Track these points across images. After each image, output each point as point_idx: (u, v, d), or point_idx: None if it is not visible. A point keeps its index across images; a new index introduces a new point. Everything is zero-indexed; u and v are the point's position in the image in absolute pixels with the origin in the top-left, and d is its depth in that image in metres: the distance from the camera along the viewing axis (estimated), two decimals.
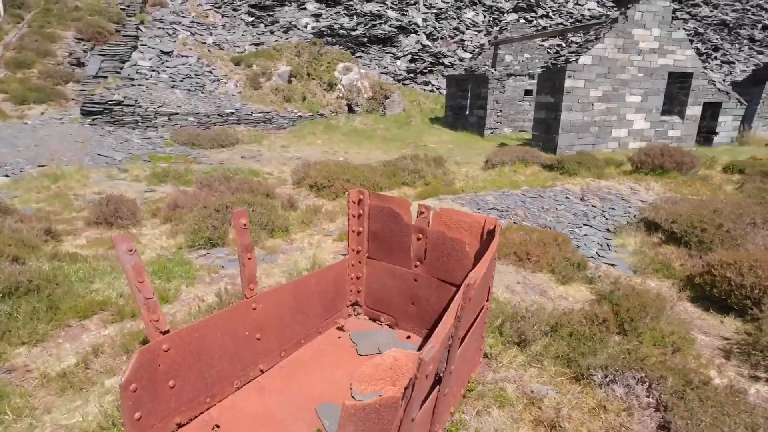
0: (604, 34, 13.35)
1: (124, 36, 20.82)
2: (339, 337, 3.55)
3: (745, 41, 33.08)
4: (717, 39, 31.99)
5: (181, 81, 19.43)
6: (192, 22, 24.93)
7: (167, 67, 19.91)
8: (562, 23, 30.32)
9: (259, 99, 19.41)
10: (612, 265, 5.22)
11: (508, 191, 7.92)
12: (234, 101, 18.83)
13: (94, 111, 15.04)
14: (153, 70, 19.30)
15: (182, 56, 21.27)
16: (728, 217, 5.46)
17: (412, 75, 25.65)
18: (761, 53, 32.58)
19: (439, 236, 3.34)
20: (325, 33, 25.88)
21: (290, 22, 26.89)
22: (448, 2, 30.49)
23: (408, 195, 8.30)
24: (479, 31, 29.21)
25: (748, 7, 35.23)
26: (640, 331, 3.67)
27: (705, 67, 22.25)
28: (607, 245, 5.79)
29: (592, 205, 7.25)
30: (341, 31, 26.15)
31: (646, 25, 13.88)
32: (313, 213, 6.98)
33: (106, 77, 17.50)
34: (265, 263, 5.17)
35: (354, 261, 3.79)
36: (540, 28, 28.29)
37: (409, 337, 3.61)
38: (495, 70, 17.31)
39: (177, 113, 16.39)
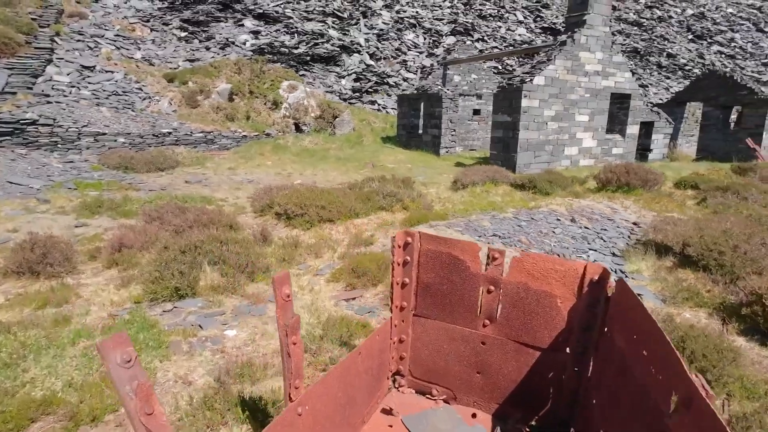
0: (554, 56, 13.64)
1: (36, 48, 18.39)
2: (390, 426, 2.70)
3: (654, 67, 36.38)
4: (631, 65, 34.85)
5: (107, 98, 17.44)
6: (117, 35, 22.77)
7: (89, 83, 17.81)
8: (496, 46, 31.51)
9: (199, 118, 17.88)
10: (639, 295, 4.81)
11: (498, 214, 7.45)
12: (170, 120, 17.16)
13: (2, 131, 12.85)
14: (72, 86, 17.14)
15: (107, 71, 19.21)
16: (739, 237, 5.29)
17: (357, 94, 25.18)
18: (668, 78, 35.95)
19: (520, 288, 2.63)
20: (265, 50, 24.77)
21: (227, 39, 25.49)
22: (388, 23, 30.63)
23: (390, 221, 7.56)
24: (420, 53, 29.52)
25: (654, 37, 38.93)
26: (724, 381, 3.18)
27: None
28: (621, 271, 5.41)
29: (585, 227, 6.96)
30: (283, 49, 25.18)
31: (591, 48, 14.41)
32: (292, 247, 6.02)
33: (14, 93, 15.20)
34: (252, 317, 4.17)
35: (397, 320, 2.97)
36: (478, 51, 29.12)
37: (474, 415, 2.84)
38: (447, 89, 17.24)
39: (104, 133, 14.51)
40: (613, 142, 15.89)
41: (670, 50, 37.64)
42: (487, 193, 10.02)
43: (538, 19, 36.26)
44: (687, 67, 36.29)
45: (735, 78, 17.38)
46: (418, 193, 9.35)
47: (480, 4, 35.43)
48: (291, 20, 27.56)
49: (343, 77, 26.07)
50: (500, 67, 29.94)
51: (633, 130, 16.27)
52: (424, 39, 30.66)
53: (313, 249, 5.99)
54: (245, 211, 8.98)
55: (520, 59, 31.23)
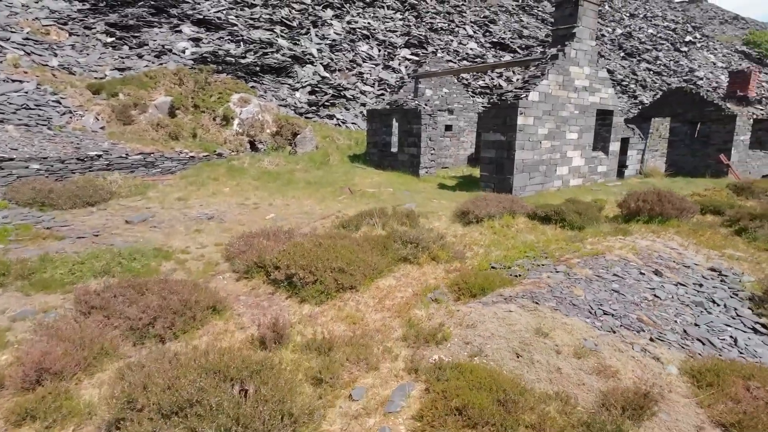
0: (548, 71, 12.49)
1: None
2: None
3: None
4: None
5: (14, 113, 14.04)
6: (27, 39, 18.99)
7: None
8: (450, 60, 30.70)
9: (136, 137, 14.91)
10: None
11: (558, 268, 5.78)
12: (99, 140, 14.08)
13: None
14: None
15: (13, 81, 15.67)
16: None
17: (314, 108, 23.00)
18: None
19: None
20: (209, 60, 21.95)
21: (163, 46, 22.35)
22: (340, 34, 28.82)
23: (432, 284, 5.65)
24: (376, 65, 27.94)
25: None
26: None
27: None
28: None
29: (679, 283, 5.49)
30: (229, 59, 22.48)
31: (579, 63, 13.48)
32: (324, 352, 3.91)
33: None
34: None
35: None
36: (450, 64, 28.05)
37: None
38: (424, 105, 15.68)
39: (11, 159, 11.31)
40: (598, 159, 15.09)
41: (607, 67, 39.05)
42: (510, 229, 8.41)
43: (487, 33, 36.14)
44: (624, 83, 37.75)
45: (701, 95, 17.38)
46: (438, 234, 7.51)
47: (431, 18, 34.66)
48: (236, 28, 24.89)
49: (297, 89, 23.80)
50: (469, 81, 29.14)
51: (615, 147, 15.62)
52: (379, 51, 29.15)
53: (356, 351, 3.93)
54: (218, 268, 6.66)
55: (475, 74, 30.65)
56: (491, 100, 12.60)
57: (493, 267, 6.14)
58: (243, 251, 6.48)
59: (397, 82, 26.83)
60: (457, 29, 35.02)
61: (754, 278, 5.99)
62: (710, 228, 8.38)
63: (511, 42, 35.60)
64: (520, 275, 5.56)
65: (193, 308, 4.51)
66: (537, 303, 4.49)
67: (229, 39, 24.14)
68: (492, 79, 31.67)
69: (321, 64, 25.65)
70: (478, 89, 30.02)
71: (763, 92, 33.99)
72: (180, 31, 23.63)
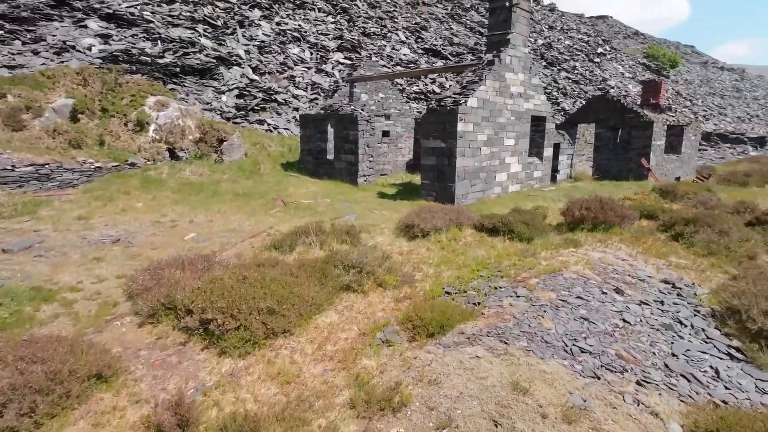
0: (485, 76, 12.21)
1: None
2: None
3: None
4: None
5: None
6: None
7: None
8: (384, 65, 30.27)
9: (26, 145, 12.71)
10: None
11: (519, 291, 5.19)
12: None
13: None
14: None
15: None
16: None
17: (242, 112, 21.40)
18: None
19: None
20: (121, 59, 19.64)
21: (65, 42, 19.69)
22: (269, 35, 27.35)
23: (382, 321, 4.81)
24: (309, 68, 26.80)
25: None
26: None
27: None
28: None
29: (642, 302, 5.10)
30: (144, 58, 20.28)
31: (514, 69, 13.39)
32: None
33: None
34: None
35: None
36: (387, 68, 27.49)
37: None
38: (360, 110, 14.88)
39: None
40: (534, 165, 15.16)
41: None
42: (458, 243, 7.81)
43: (420, 40, 36.25)
44: (547, 90, 39.52)
45: (622, 102, 18.19)
46: (383, 254, 6.71)
47: (363, 22, 34.09)
48: (152, 25, 22.64)
49: (224, 93, 22.06)
50: (403, 85, 28.77)
51: (549, 152, 15.80)
52: (311, 54, 28.03)
53: (283, 421, 2.97)
54: (117, 310, 5.36)
55: (409, 80, 30.49)
56: (430, 106, 12.09)
57: (447, 292, 5.44)
58: (149, 287, 5.25)
59: (330, 86, 25.88)
60: (389, 35, 34.76)
61: (707, 290, 5.80)
62: (650, 234, 8.33)
63: (443, 49, 35.98)
64: (478, 303, 4.89)
65: (68, 381, 3.32)
66: (506, 343, 3.81)
67: (144, 37, 21.87)
68: (426, 84, 31.69)
69: (249, 66, 24.07)
70: (413, 95, 29.87)
71: (666, 101, 37.11)
72: (85, 26, 21.01)
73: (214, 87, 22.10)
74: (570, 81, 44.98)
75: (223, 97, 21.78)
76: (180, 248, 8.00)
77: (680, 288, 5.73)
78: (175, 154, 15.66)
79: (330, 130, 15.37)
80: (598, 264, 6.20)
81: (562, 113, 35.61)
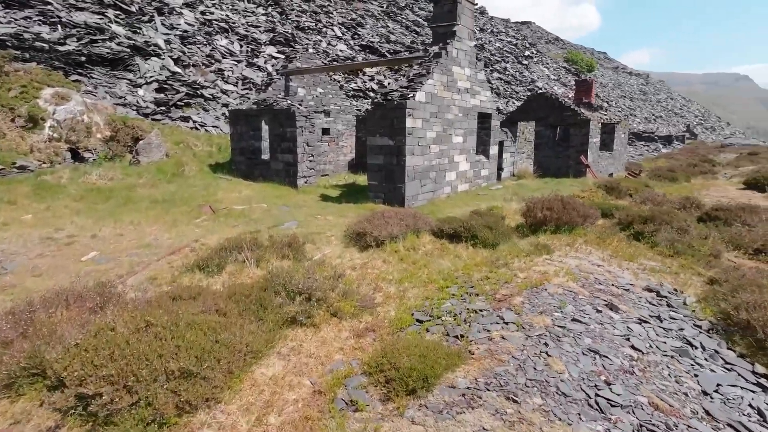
0: (433, 69, 11.39)
1: None
2: None
3: None
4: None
5: None
6: None
7: None
8: (322, 60, 28.85)
9: None
10: None
11: (524, 320, 4.27)
12: None
13: None
14: None
15: None
16: None
17: (164, 108, 19.06)
18: None
19: None
20: (9, 44, 16.64)
21: None
22: (193, 25, 24.93)
23: (328, 365, 3.66)
24: (239, 61, 24.74)
25: None
26: None
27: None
28: None
29: (641, 320, 4.39)
30: (39, 44, 17.37)
31: (461, 63, 12.72)
32: None
33: None
34: None
35: None
36: (327, 60, 25.98)
37: None
38: (298, 105, 13.49)
39: None
40: (481, 163, 14.65)
41: None
42: (417, 253, 6.84)
43: (356, 36, 35.17)
44: None
45: (560, 100, 18.30)
46: (335, 271, 5.55)
47: (296, 16, 32.39)
48: (50, 7, 19.58)
49: (141, 86, 19.56)
50: (342, 81, 27.47)
51: (495, 150, 15.39)
52: (241, 47, 25.95)
53: None
54: None
55: (347, 73, 29.33)
56: (375, 100, 11.05)
57: (418, 320, 4.41)
58: (9, 340, 3.71)
59: (263, 81, 24.05)
60: (325, 29, 33.32)
61: (693, 297, 5.27)
62: (613, 235, 7.88)
63: (380, 46, 35.16)
64: (462, 336, 3.91)
65: None
66: (515, 401, 2.86)
67: (40, 20, 18.82)
68: (364, 82, 30.67)
69: (170, 57, 21.64)
70: (351, 92, 28.73)
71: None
72: None
73: (128, 79, 19.52)
74: (502, 81, 46.11)
75: (140, 91, 19.30)
76: (74, 273, 6.30)
77: (666, 297, 5.14)
78: (80, 156, 13.34)
79: (264, 127, 13.84)
80: (578, 273, 5.48)
81: (497, 112, 36.24)
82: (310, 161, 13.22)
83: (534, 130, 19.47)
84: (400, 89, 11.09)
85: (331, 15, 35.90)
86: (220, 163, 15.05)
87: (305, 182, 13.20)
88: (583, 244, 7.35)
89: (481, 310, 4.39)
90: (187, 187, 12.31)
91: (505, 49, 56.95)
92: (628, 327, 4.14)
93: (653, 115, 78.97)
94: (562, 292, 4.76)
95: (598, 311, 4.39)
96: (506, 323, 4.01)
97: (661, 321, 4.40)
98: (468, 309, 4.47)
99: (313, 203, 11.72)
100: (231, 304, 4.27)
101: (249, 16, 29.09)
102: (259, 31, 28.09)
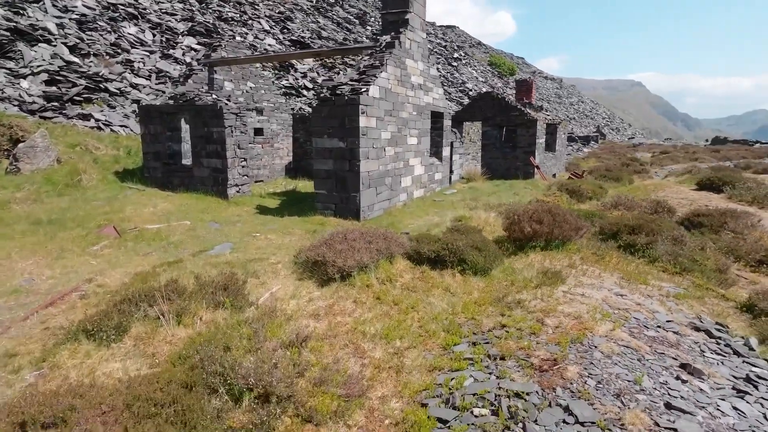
0: (386, 61, 9.92)
1: None
2: None
3: None
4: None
5: None
6: None
7: None
8: (248, 54, 26.30)
9: None
10: None
11: (607, 419, 2.90)
12: None
13: None
14: None
15: None
16: None
17: (56, 104, 15.74)
18: None
19: None
20: None
21: None
22: (94, 9, 21.40)
23: None
24: (152, 52, 21.58)
25: None
26: None
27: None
28: None
29: (737, 390, 3.24)
30: None
31: (414, 56, 11.40)
32: None
33: None
34: None
35: None
36: (257, 51, 23.35)
37: None
38: (225, 101, 11.35)
39: None
40: (435, 166, 13.47)
41: None
42: (395, 286, 5.33)
43: (286, 30, 32.83)
44: None
45: (506, 99, 17.72)
46: (297, 335, 3.86)
47: (218, 5, 29.42)
48: None
49: (25, 77, 16.06)
50: (263, 74, 24.98)
51: (447, 152, 14.30)
52: (154, 36, 22.74)
53: None
54: None
55: (277, 68, 27.06)
56: (322, 95, 9.36)
57: (440, 420, 2.90)
58: None
59: (181, 75, 21.13)
60: (251, 22, 30.65)
61: (754, 339, 4.28)
62: (609, 249, 6.93)
63: (312, 42, 33.12)
64: None
65: None
66: None
67: None
68: (296, 79, 28.55)
69: (65, 44, 18.17)
70: (283, 89, 26.50)
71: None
72: None
73: (8, 69, 15.95)
74: None
75: (24, 83, 15.83)
76: None
77: (720, 338, 4.09)
78: None
79: (185, 127, 11.55)
80: (612, 312, 4.29)
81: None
82: (243, 166, 11.17)
83: (480, 130, 18.75)
84: (351, 83, 9.49)
85: (257, 6, 33.23)
86: (130, 170, 12.42)
87: (237, 191, 11.13)
88: (579, 261, 6.28)
89: (526, 394, 2.99)
90: (84, 201, 9.75)
91: (435, 50, 57.17)
92: (734, 407, 2.98)
93: (568, 117, 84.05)
94: (619, 351, 3.53)
95: (682, 381, 3.19)
96: (582, 424, 2.64)
97: (756, 387, 3.31)
98: (505, 391, 3.05)
99: (249, 217, 9.75)
100: (129, 418, 2.45)
101: (162, 3, 25.77)
102: (176, 20, 24.94)
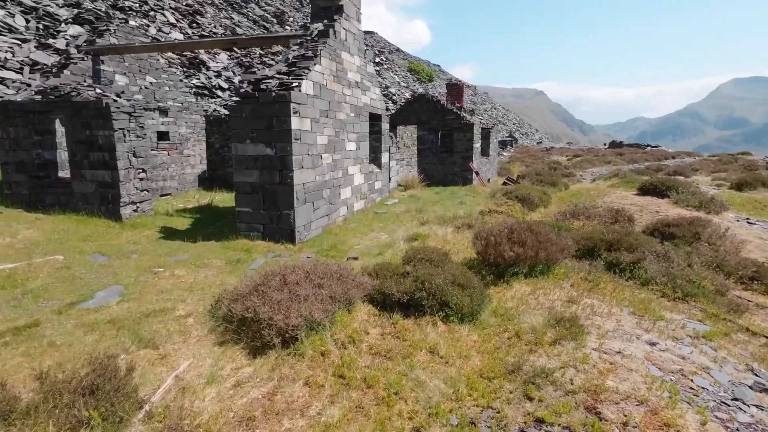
0: (320, 51, 8.31)
1: None
2: None
3: None
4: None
5: None
6: None
7: None
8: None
9: None
10: None
11: None
12: None
13: None
14: None
15: None
16: None
17: None
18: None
19: None
20: None
21: None
22: None
23: None
24: (25, 41, 17.78)
25: None
26: None
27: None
28: None
29: None
30: None
31: (350, 49, 9.92)
32: None
33: None
34: None
35: None
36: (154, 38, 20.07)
37: None
38: (113, 97, 8.95)
39: None
40: (375, 175, 12.08)
41: None
42: (359, 351, 3.80)
43: (195, 25, 29.62)
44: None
45: (442, 103, 16.89)
46: None
47: None
48: None
49: None
50: (170, 69, 21.90)
51: (386, 158, 12.99)
52: (28, 22, 18.85)
53: None
54: None
55: (186, 65, 24.10)
56: (242, 91, 7.50)
57: None
58: None
59: (55, 64, 17.62)
60: (153, 13, 27.14)
61: None
62: (598, 272, 5.98)
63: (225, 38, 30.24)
64: None
65: None
66: None
67: None
68: (209, 78, 25.69)
69: None
70: (193, 89, 23.56)
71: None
72: None
73: None
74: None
75: None
76: None
77: None
78: None
79: (60, 130, 8.97)
80: (667, 376, 3.15)
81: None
82: (141, 179, 8.88)
83: (415, 135, 17.75)
84: (279, 76, 7.76)
85: None
86: None
87: (134, 210, 8.81)
88: (571, 289, 5.22)
89: None
90: None
91: None
92: None
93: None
94: None
95: None
96: None
97: None
98: None
99: (150, 245, 7.58)
100: None
101: None
102: (57, 5, 21.05)
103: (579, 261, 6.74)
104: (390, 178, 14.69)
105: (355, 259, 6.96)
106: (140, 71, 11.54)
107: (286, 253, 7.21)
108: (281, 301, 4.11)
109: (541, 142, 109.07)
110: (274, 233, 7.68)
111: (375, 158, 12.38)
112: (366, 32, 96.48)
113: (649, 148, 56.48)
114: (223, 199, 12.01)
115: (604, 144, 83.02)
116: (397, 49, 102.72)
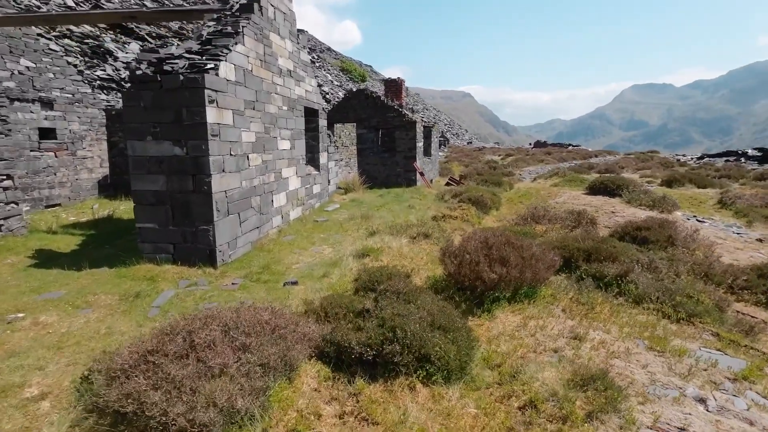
0: (243, 28, 6.75)
1: None
2: None
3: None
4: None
5: None
6: None
7: None
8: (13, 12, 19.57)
9: None
10: None
11: None
12: None
13: None
14: None
15: None
16: None
17: None
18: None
19: None
20: None
21: None
22: None
23: None
24: None
25: None
26: None
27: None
28: None
29: None
30: None
31: (280, 31, 8.41)
32: None
33: None
34: None
35: None
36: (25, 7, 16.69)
37: None
38: None
39: None
40: (312, 177, 10.62)
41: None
42: None
43: (99, 9, 25.99)
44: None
45: (383, 99, 15.77)
46: None
47: None
48: None
49: None
50: (58, 53, 18.74)
51: (324, 158, 11.59)
52: None
53: None
54: None
55: (88, 54, 20.96)
56: (140, 74, 5.78)
57: None
58: None
59: None
60: None
61: None
62: (589, 291, 5.08)
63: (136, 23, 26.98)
64: None
65: None
66: None
67: None
68: (117, 70, 22.53)
69: None
70: (97, 82, 20.44)
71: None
72: None
73: None
74: None
75: None
76: None
77: None
78: None
79: None
80: None
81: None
82: (5, 188, 6.76)
83: (353, 133, 16.48)
84: (188, 55, 6.10)
85: None
86: None
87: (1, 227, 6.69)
88: (564, 316, 4.25)
89: None
90: None
91: None
92: None
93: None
94: None
95: None
96: None
97: None
98: None
99: (13, 277, 5.62)
100: None
101: None
102: None
103: (556, 274, 5.85)
104: (329, 181, 13.28)
105: (294, 283, 5.55)
106: (11, 52, 9.15)
107: (204, 281, 5.61)
108: (183, 379, 2.65)
109: (471, 143, 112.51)
110: (188, 254, 6.03)
111: (312, 159, 10.94)
112: (298, 30, 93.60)
113: (571, 147, 59.80)
114: (129, 209, 9.93)
115: (530, 144, 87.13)
116: (329, 48, 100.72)
